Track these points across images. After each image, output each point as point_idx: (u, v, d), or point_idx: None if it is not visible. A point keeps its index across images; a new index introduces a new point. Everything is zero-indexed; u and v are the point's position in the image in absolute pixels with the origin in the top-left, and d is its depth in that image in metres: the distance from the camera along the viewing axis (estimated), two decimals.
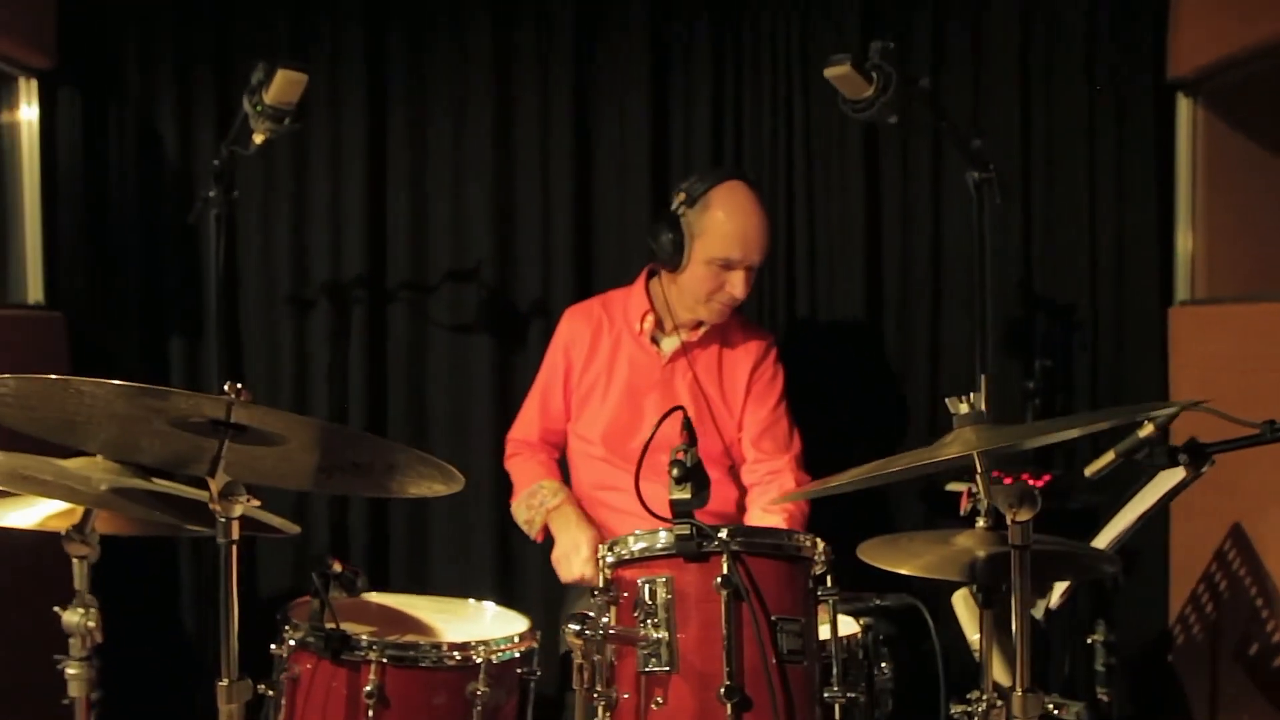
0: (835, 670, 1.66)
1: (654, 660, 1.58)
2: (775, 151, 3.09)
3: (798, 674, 1.60)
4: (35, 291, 2.95)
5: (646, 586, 1.60)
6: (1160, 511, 2.99)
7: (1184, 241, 3.14)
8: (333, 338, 3.04)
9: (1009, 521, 1.58)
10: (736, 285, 2.48)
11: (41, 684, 1.95)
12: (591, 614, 1.49)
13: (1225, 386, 2.84)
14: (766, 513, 2.44)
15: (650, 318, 2.60)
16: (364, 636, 1.91)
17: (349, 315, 3.05)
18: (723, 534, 1.59)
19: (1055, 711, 1.98)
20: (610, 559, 1.67)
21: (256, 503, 1.66)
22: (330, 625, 1.85)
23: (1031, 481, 2.84)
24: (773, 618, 1.59)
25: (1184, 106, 3.10)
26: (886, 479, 1.91)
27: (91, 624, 1.92)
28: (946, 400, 1.65)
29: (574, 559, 2.39)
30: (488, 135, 3.06)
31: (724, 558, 1.57)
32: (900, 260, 3.11)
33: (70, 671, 1.92)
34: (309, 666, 1.92)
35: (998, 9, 3.05)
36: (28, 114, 2.93)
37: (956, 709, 1.92)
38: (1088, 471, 1.94)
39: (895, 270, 3.11)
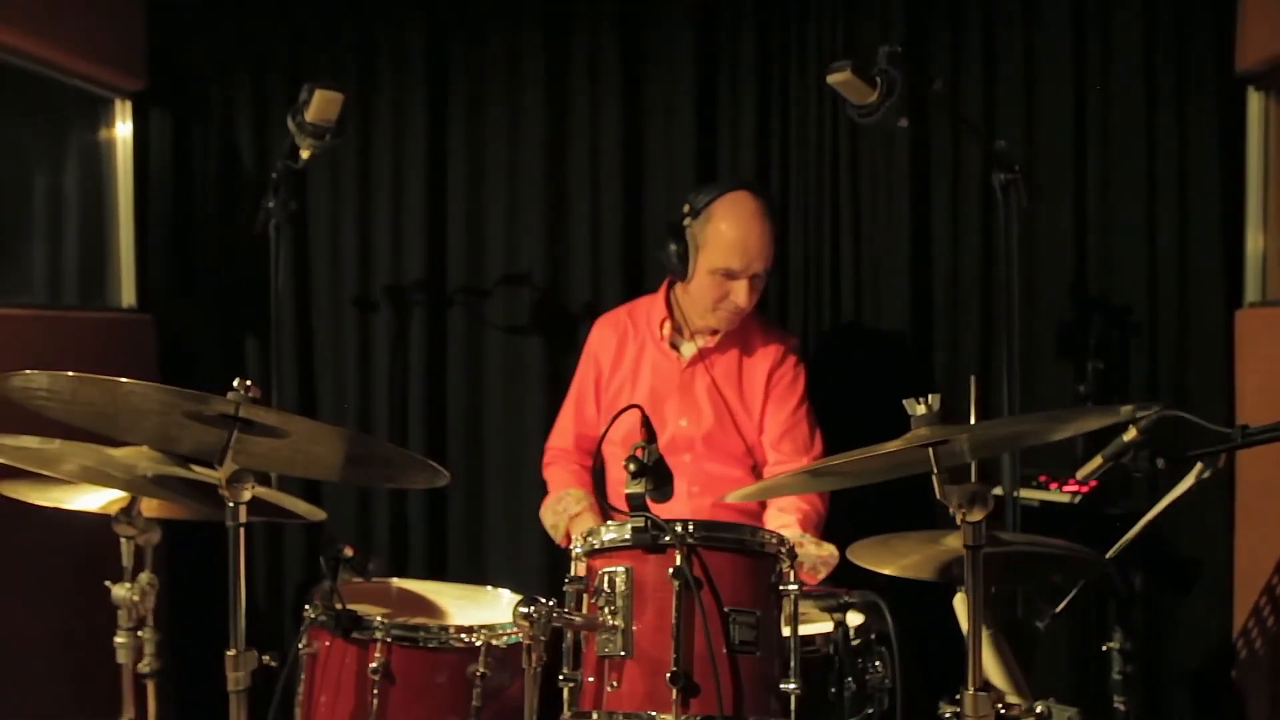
0: (793, 664, 1.70)
1: (610, 645, 1.66)
2: (821, 158, 3.11)
3: (749, 663, 1.66)
4: (128, 295, 3.22)
5: (607, 576, 1.69)
6: (1224, 520, 2.95)
7: (1254, 241, 3.03)
8: (394, 339, 3.22)
9: (958, 521, 1.61)
10: (740, 295, 2.54)
11: (107, 658, 2.15)
12: (542, 599, 1.59)
13: None
14: (782, 512, 2.48)
15: (669, 324, 2.69)
16: (378, 617, 2.05)
17: (409, 317, 3.21)
18: (678, 527, 1.66)
19: (1040, 712, 1.96)
20: (581, 549, 1.76)
21: (263, 490, 1.81)
22: (339, 606, 1.99)
23: (1077, 487, 2.81)
24: (725, 609, 1.66)
25: (1254, 100, 2.99)
26: (859, 479, 1.94)
27: (137, 598, 2.11)
28: (904, 401, 1.67)
29: None
30: (540, 145, 3.19)
31: (679, 550, 1.64)
32: (949, 268, 3.09)
33: (119, 641, 2.13)
34: (326, 644, 2.08)
35: (1050, 3, 3.00)
36: (122, 132, 3.20)
37: (946, 710, 1.94)
38: (1079, 475, 1.96)
39: (944, 279, 3.09)
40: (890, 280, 3.11)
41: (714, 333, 2.68)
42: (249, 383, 1.80)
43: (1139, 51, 2.96)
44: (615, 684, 1.66)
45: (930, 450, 1.65)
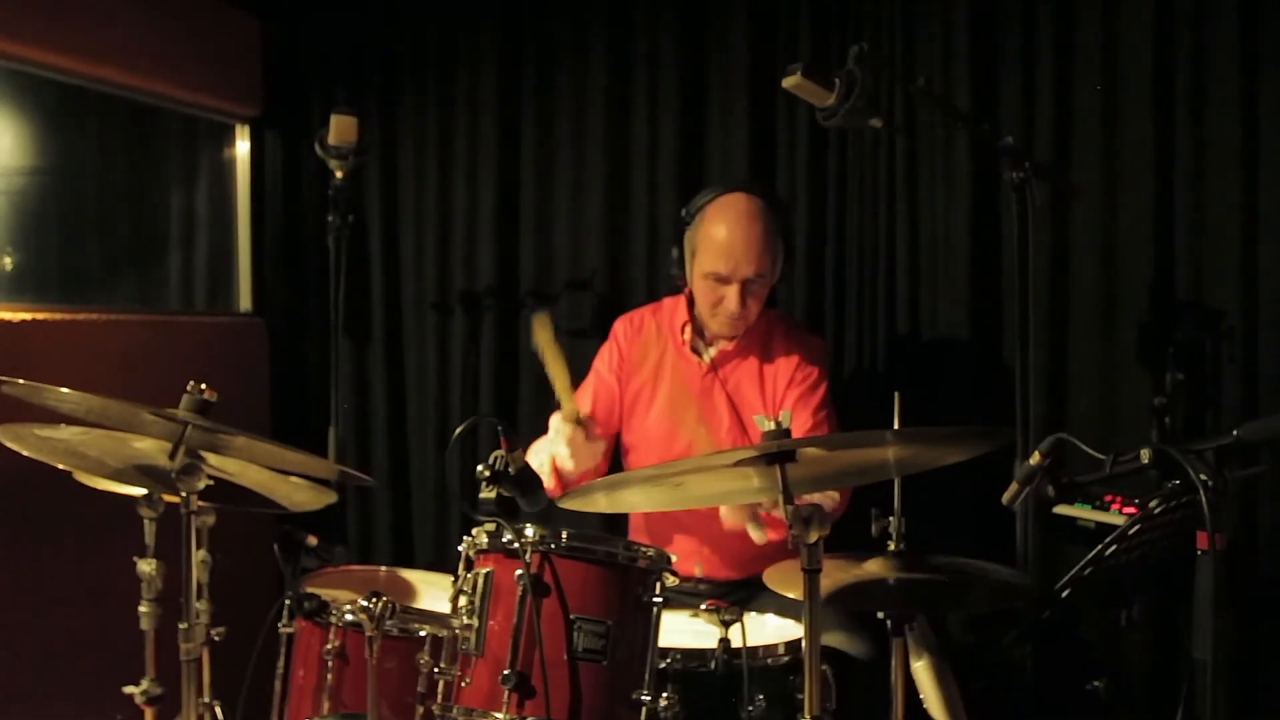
0: (647, 675, 1.71)
1: (467, 644, 1.74)
2: (877, 163, 3.04)
3: (592, 671, 1.69)
4: (245, 301, 3.58)
5: (473, 577, 1.77)
6: None
7: None
8: (467, 341, 3.40)
9: (790, 544, 1.57)
10: (731, 300, 2.47)
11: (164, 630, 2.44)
12: (382, 593, 1.69)
13: None
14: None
15: (689, 327, 2.67)
16: (346, 604, 2.22)
17: (481, 321, 3.40)
18: (528, 533, 1.71)
19: None
20: (467, 547, 1.85)
21: (209, 482, 2.02)
22: (302, 590, 2.17)
23: (1125, 509, 2.58)
24: (571, 616, 1.69)
25: None
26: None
27: (154, 572, 2.39)
28: (755, 417, 1.65)
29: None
30: (603, 157, 3.29)
31: (526, 557, 1.70)
32: (1013, 270, 2.91)
33: (142, 610, 2.40)
34: (302, 625, 2.27)
35: None
36: (241, 153, 3.57)
37: None
38: (1004, 499, 1.84)
39: (1011, 280, 2.92)
40: (949, 289, 2.99)
41: (731, 337, 2.65)
42: (203, 386, 2.02)
43: (1235, 29, 2.69)
44: (468, 681, 1.74)
45: (778, 467, 1.62)
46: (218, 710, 2.45)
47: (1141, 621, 2.09)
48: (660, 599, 1.75)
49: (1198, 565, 1.39)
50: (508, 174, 3.38)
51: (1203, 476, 1.34)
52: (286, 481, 2.34)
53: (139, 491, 2.39)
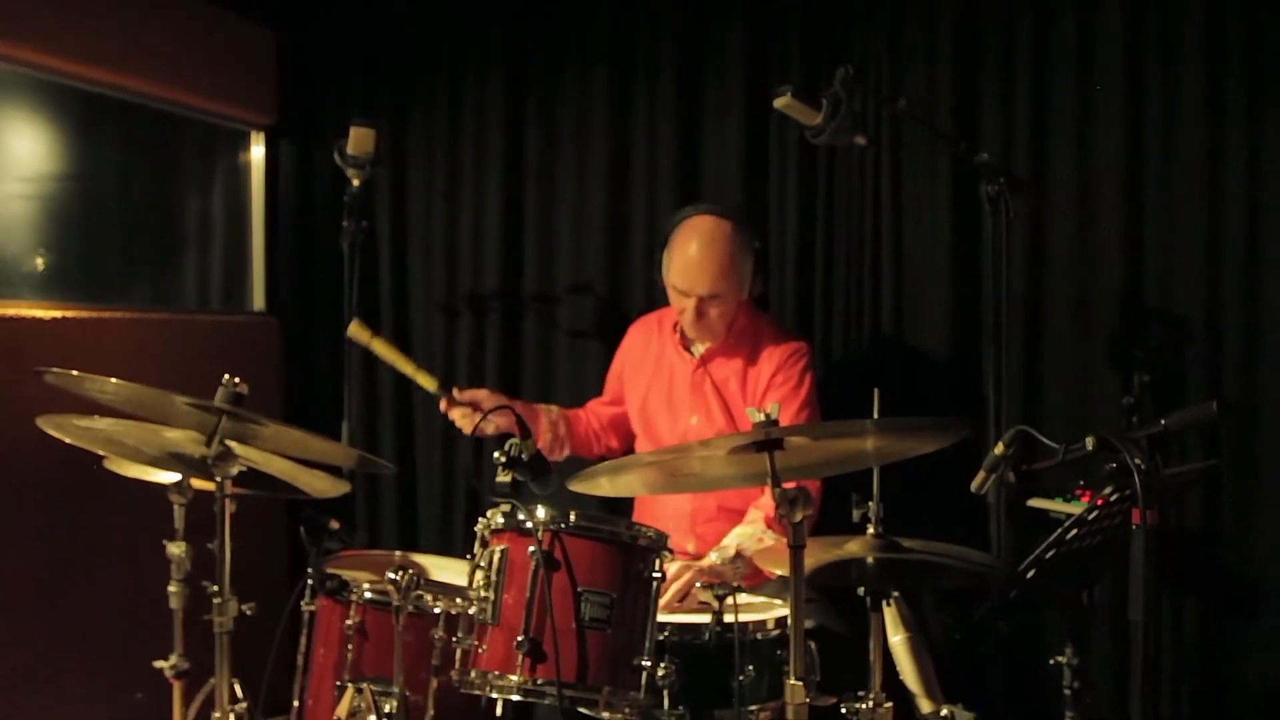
0: (648, 643, 1.88)
1: (483, 614, 1.91)
2: (864, 174, 3.20)
3: (598, 639, 1.86)
4: (259, 300, 3.74)
5: (488, 553, 1.94)
6: None
7: None
8: (473, 342, 3.57)
9: (777, 522, 1.74)
10: (688, 313, 2.70)
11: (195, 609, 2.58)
12: (411, 565, 1.86)
13: None
14: (756, 508, 2.61)
15: (680, 326, 2.86)
16: (365, 583, 2.38)
17: (486, 322, 3.56)
18: (540, 514, 1.88)
19: (945, 715, 2.03)
20: (482, 527, 2.02)
21: (243, 468, 2.18)
22: (325, 571, 2.33)
23: (1099, 500, 2.76)
24: (579, 589, 1.86)
25: None
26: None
27: (183, 554, 2.54)
28: (746, 409, 1.81)
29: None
30: (604, 168, 3.46)
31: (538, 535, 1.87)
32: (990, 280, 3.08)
33: (171, 590, 2.56)
34: (323, 603, 2.43)
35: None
36: (256, 159, 3.73)
37: (845, 707, 2.04)
38: (972, 487, 2.01)
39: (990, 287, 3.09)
40: (933, 295, 3.15)
41: (703, 341, 2.85)
42: (236, 380, 2.18)
43: (1201, 41, 2.87)
44: (484, 647, 1.90)
45: (768, 455, 1.79)
46: (236, 687, 2.62)
47: (1102, 602, 2.26)
48: (660, 575, 1.92)
49: (1132, 538, 1.55)
50: (513, 181, 3.55)
51: (1136, 460, 1.51)
52: (305, 470, 2.51)
53: (170, 479, 2.56)
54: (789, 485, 1.71)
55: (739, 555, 2.40)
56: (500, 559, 1.92)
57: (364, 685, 1.91)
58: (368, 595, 2.33)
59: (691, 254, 2.68)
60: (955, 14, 3.09)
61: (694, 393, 2.84)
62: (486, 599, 1.91)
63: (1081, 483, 2.69)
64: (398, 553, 2.64)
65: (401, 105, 3.64)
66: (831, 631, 2.37)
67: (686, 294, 2.69)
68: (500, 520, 1.97)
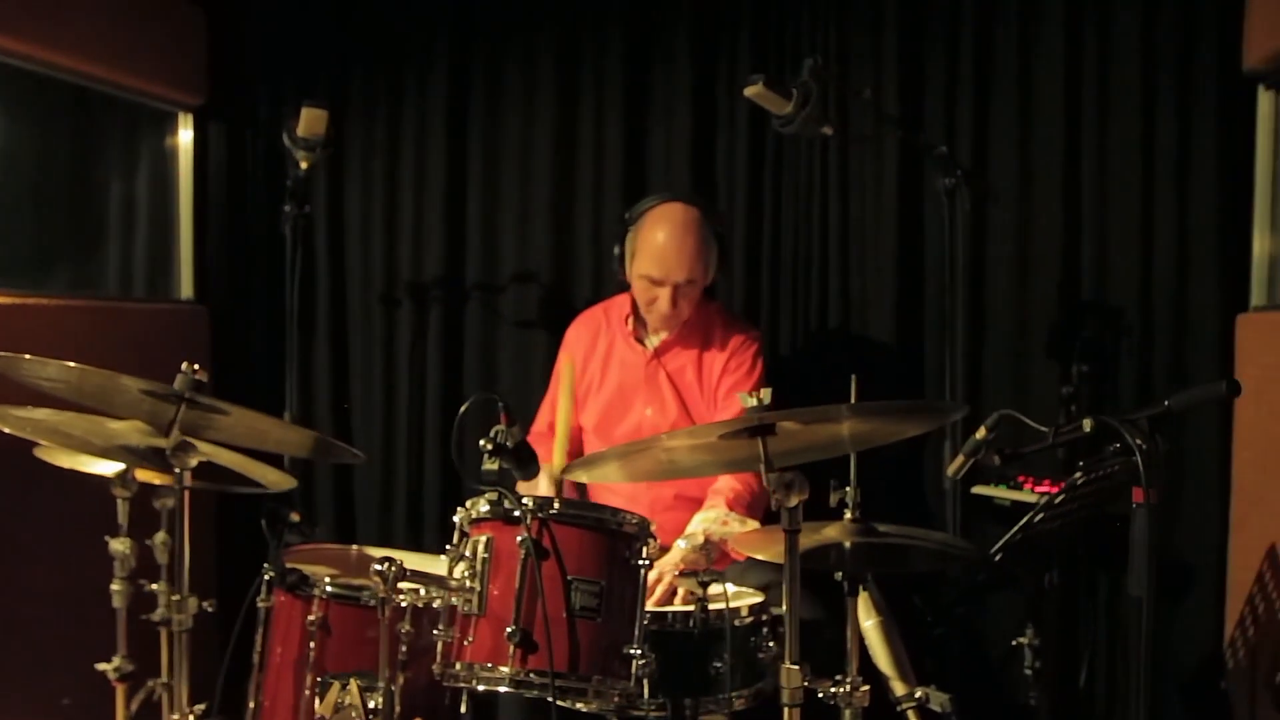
0: (637, 631, 1.87)
1: (469, 605, 1.88)
2: (811, 165, 3.23)
3: (589, 628, 1.84)
4: (187, 289, 3.60)
5: (472, 543, 1.90)
6: (1219, 526, 2.92)
7: (1260, 243, 2.99)
8: (414, 332, 3.50)
9: (773, 507, 1.74)
10: (663, 302, 2.68)
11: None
12: (394, 557, 1.81)
13: None
14: (714, 493, 2.62)
15: (634, 318, 2.86)
16: (325, 577, 2.31)
17: (428, 312, 3.49)
18: (527, 502, 1.85)
19: (919, 697, 2.07)
20: (462, 518, 1.97)
21: (203, 458, 2.09)
22: (285, 566, 2.26)
23: (1049, 488, 2.84)
24: (569, 577, 1.84)
25: (1265, 100, 2.96)
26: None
27: (128, 551, 2.43)
28: (739, 395, 1.81)
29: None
30: (550, 154, 3.41)
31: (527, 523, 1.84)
32: (936, 270, 3.14)
33: (114, 588, 2.44)
34: (281, 599, 2.35)
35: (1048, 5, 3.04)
36: (184, 141, 3.58)
37: (824, 689, 2.06)
38: (948, 472, 2.04)
39: (934, 278, 3.16)
40: (877, 284, 3.20)
41: (665, 331, 2.84)
42: (196, 367, 2.09)
43: (1139, 48, 2.97)
44: (471, 639, 1.87)
45: (760, 440, 1.79)
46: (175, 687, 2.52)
47: (1059, 585, 2.33)
48: (646, 562, 1.91)
49: (1133, 516, 1.61)
50: (456, 167, 3.48)
51: (1138, 441, 1.56)
52: (256, 463, 2.43)
53: (112, 470, 2.44)
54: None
55: (708, 541, 2.40)
56: (485, 549, 1.88)
57: (350, 680, 1.84)
58: (330, 590, 2.27)
59: (665, 241, 2.66)
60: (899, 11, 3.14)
61: (648, 384, 2.83)
62: (472, 590, 1.87)
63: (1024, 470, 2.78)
64: (354, 548, 2.57)
65: (339, 87, 3.53)
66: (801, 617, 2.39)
67: (660, 282, 2.67)
68: (483, 509, 1.94)
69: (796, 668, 1.74)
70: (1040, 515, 2.09)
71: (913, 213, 3.16)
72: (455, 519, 1.99)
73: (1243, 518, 2.93)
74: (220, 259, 3.60)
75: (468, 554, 1.90)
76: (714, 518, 2.47)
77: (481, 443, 1.89)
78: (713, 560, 2.42)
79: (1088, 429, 1.69)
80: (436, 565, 2.49)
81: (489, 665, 1.83)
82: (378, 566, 1.77)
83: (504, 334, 3.49)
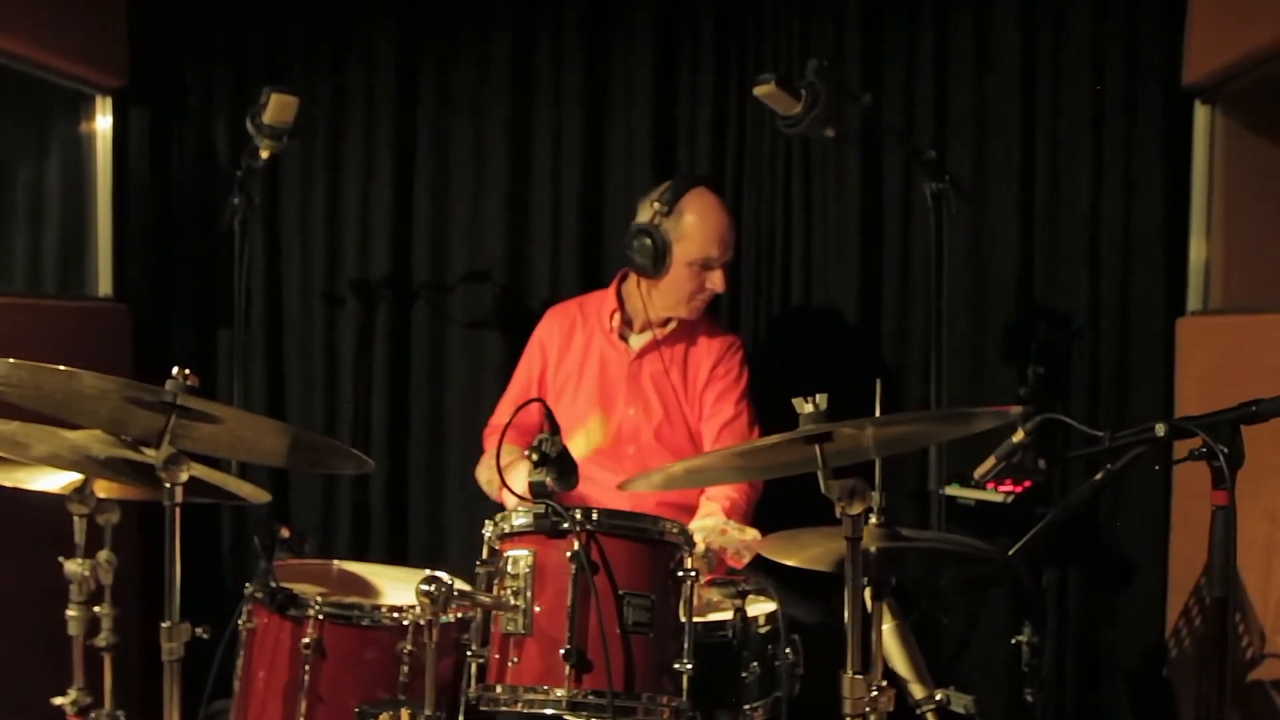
0: (686, 645, 1.81)
1: (513, 624, 1.78)
2: (775, 157, 3.20)
3: (642, 644, 1.77)
4: (105, 285, 3.34)
5: (512, 559, 1.80)
6: (1161, 523, 3.03)
7: (1197, 250, 3.10)
8: (360, 333, 3.33)
9: (838, 514, 1.71)
10: (717, 281, 2.69)
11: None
12: (443, 577, 1.70)
13: (1228, 400, 2.82)
14: (709, 500, 2.58)
15: (618, 316, 2.79)
16: (316, 596, 2.16)
17: (375, 312, 3.33)
18: (578, 514, 1.77)
19: (940, 699, 2.07)
20: (491, 533, 1.87)
21: (207, 472, 1.92)
22: (274, 584, 2.10)
23: (1012, 488, 2.90)
24: (620, 592, 1.76)
25: (1201, 114, 3.06)
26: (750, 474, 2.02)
27: (87, 573, 2.23)
28: (793, 400, 1.77)
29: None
30: (504, 146, 3.29)
31: (576, 536, 1.75)
32: (898, 269, 3.17)
33: (70, 614, 2.24)
34: (264, 620, 2.19)
35: (1001, 14, 3.08)
36: (102, 127, 3.31)
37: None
38: (976, 474, 2.04)
39: (893, 279, 3.18)
40: (839, 280, 3.19)
41: (664, 325, 2.78)
42: (187, 371, 1.92)
43: (1087, 63, 3.04)
44: (516, 660, 1.77)
45: (817, 447, 1.75)
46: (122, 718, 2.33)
47: (1055, 586, 2.37)
48: (693, 573, 1.84)
49: (1214, 518, 1.63)
50: (404, 158, 3.32)
51: (1221, 446, 1.59)
52: (232, 478, 2.26)
53: (64, 485, 2.24)
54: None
55: (709, 550, 2.35)
56: (529, 564, 1.78)
57: (400, 709, 1.72)
58: (326, 610, 2.12)
59: (718, 220, 2.69)
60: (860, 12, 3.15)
61: (630, 384, 2.77)
62: (516, 608, 1.77)
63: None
64: (335, 563, 2.42)
65: (276, 71, 3.31)
66: (800, 621, 2.37)
67: (717, 261, 2.68)
68: (518, 522, 1.84)
69: (860, 677, 1.70)
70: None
71: (873, 207, 3.16)
72: (485, 534, 1.88)
73: (1184, 514, 3.05)
74: (142, 254, 3.34)
75: (511, 570, 1.79)
76: (712, 526, 2.42)
77: (527, 452, 1.79)
78: (713, 568, 2.37)
79: (1160, 434, 1.71)
80: (410, 578, 2.38)
81: (541, 688, 1.73)
82: (426, 587, 1.65)
83: (454, 335, 3.35)
